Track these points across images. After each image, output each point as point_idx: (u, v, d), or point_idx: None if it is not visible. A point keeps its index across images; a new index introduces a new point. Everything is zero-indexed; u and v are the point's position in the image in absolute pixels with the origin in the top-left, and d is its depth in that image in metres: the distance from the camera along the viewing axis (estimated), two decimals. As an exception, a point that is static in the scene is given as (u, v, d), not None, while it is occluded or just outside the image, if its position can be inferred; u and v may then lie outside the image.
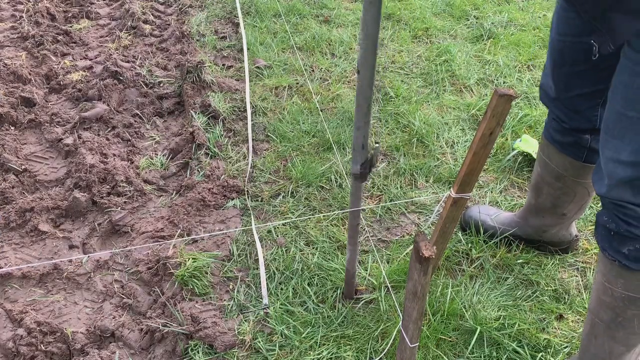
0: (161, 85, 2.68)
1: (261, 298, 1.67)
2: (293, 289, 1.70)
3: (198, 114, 2.41)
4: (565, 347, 1.56)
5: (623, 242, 1.17)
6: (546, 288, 1.72)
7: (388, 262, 1.80)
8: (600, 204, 2.01)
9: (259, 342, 1.55)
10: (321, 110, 2.50)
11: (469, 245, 1.85)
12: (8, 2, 3.41)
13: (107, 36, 3.17)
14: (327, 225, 1.93)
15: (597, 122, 1.42)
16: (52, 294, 1.72)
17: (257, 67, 2.81)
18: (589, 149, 1.49)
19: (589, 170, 1.53)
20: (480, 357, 1.52)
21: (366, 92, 1.10)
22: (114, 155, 2.24)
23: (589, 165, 1.52)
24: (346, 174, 2.13)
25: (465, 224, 1.91)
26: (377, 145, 1.24)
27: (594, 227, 1.93)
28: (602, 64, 1.28)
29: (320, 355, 1.51)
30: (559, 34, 1.37)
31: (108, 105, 2.49)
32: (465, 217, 1.91)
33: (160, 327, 1.57)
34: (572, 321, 1.64)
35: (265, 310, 1.64)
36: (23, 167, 2.15)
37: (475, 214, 1.89)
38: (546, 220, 1.73)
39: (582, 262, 1.82)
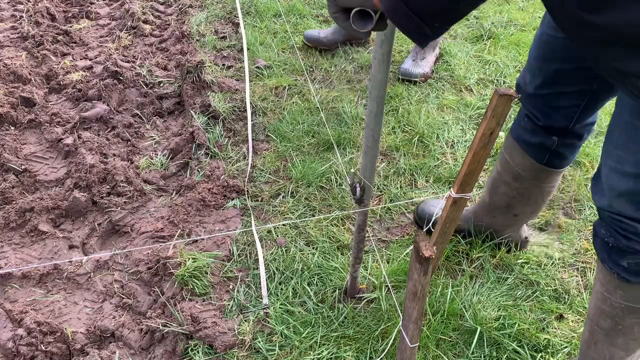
0: (161, 85, 2.68)
1: (261, 298, 1.67)
2: (293, 289, 1.70)
3: (198, 114, 2.41)
4: (565, 347, 1.56)
5: (622, 255, 1.16)
6: (546, 288, 1.72)
7: (388, 262, 1.80)
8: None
9: (259, 342, 1.55)
10: (321, 110, 2.50)
11: (469, 245, 1.85)
12: (8, 2, 3.41)
13: (107, 36, 3.17)
14: (327, 225, 1.93)
15: (573, 122, 1.41)
16: (52, 294, 1.72)
17: (257, 67, 2.81)
18: (553, 152, 1.48)
19: (547, 174, 1.54)
20: (480, 357, 1.52)
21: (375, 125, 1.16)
22: (114, 155, 2.24)
23: (548, 169, 1.52)
24: (346, 174, 2.13)
25: (419, 218, 1.91)
26: (351, 171, 1.29)
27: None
28: None
29: (320, 355, 1.51)
30: (553, 29, 1.31)
31: (108, 105, 2.49)
32: (419, 211, 1.91)
33: (160, 327, 1.57)
34: (572, 321, 1.64)
35: (265, 310, 1.64)
36: (23, 167, 2.15)
37: (429, 208, 1.89)
38: (498, 220, 1.75)
39: (582, 262, 1.82)
